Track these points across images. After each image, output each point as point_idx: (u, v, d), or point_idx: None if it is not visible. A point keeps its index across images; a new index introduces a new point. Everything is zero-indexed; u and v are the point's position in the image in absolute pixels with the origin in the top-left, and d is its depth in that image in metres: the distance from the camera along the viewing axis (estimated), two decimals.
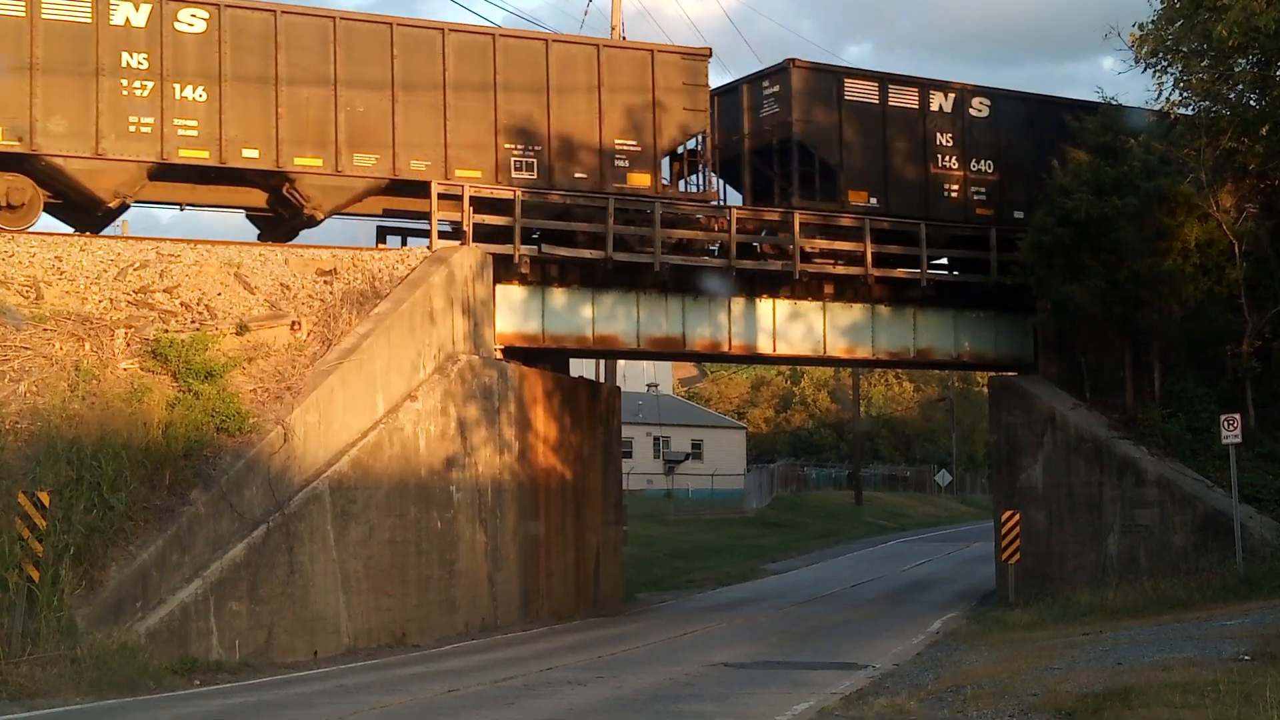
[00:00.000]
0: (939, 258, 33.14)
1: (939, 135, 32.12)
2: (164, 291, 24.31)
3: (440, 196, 27.61)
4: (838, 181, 31.00)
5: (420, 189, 27.71)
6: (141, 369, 22.74)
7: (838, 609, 31.23)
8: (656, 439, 71.24)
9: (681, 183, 30.67)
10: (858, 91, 31.46)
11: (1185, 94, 27.83)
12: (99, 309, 23.56)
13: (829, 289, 32.07)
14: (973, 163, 32.35)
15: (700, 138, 30.12)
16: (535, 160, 28.34)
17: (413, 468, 24.94)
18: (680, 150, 30.19)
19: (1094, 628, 21.50)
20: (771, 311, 31.71)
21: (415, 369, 25.45)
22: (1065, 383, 32.08)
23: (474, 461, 26.34)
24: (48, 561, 18.29)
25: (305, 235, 28.50)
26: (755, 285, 31.36)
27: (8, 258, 23.81)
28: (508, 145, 28.19)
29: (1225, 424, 26.58)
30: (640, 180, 29.11)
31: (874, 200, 31.22)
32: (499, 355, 28.24)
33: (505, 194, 28.37)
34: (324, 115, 26.98)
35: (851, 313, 32.53)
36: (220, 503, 21.40)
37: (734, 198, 32.11)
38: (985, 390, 44.27)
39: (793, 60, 30.94)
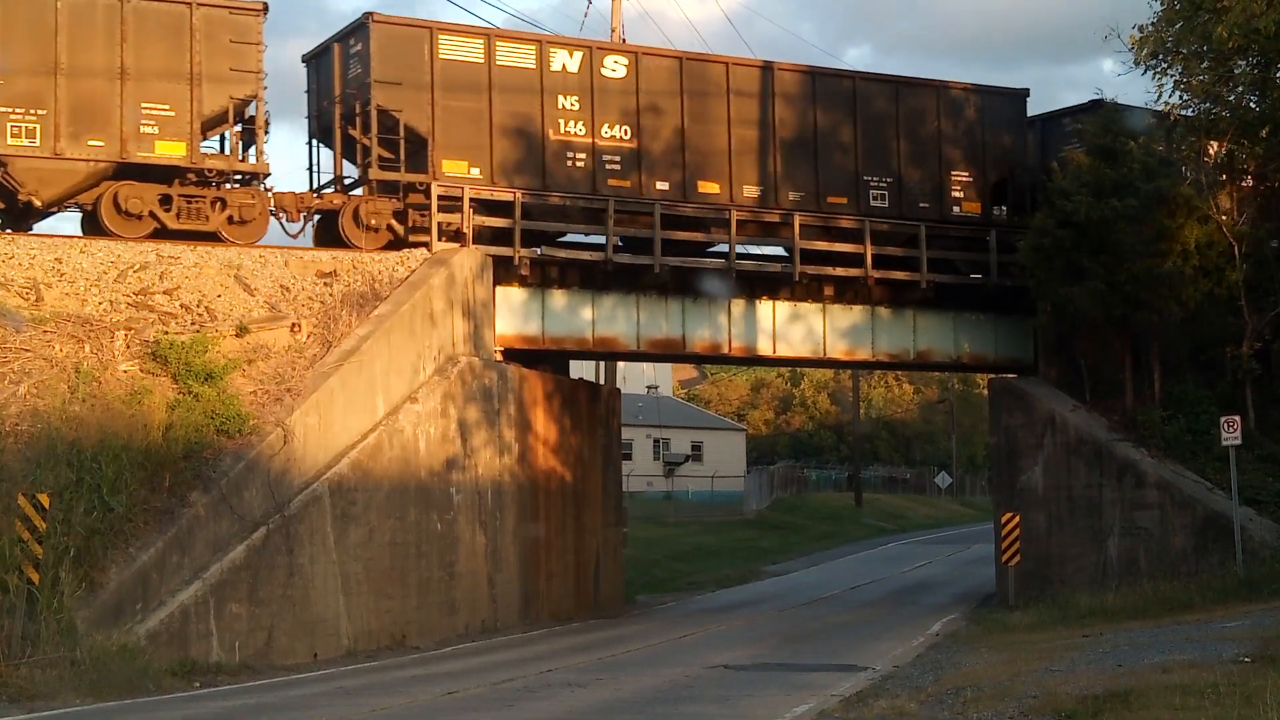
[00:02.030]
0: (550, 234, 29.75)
1: (562, 98, 28.72)
2: (164, 293, 24.30)
3: None
4: (429, 150, 27.57)
5: None
6: (141, 371, 22.73)
7: (838, 611, 31.22)
8: (656, 441, 71.19)
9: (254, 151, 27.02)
10: (456, 49, 27.89)
11: (1185, 96, 27.85)
12: (99, 311, 23.55)
13: (829, 291, 32.04)
14: (605, 128, 29.15)
15: (256, 103, 26.58)
16: (39, 126, 24.49)
17: (413, 469, 24.93)
18: (244, 116, 26.67)
19: (1094, 630, 21.50)
20: (771, 313, 31.68)
21: (415, 371, 25.44)
22: (1065, 385, 32.08)
23: (474, 463, 26.32)
24: (48, 563, 18.29)
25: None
26: (755, 287, 31.35)
27: (8, 259, 23.79)
28: (3, 109, 24.41)
29: (1225, 426, 26.57)
30: (173, 149, 25.39)
31: (475, 171, 27.80)
32: (499, 357, 28.22)
33: (505, 195, 28.33)
34: None
35: (851, 314, 32.52)
36: (220, 505, 21.40)
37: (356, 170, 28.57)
38: (985, 392, 44.27)
39: (371, 14, 27.54)
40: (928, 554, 50.06)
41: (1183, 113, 28.73)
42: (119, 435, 20.82)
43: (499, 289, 28.43)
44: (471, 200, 27.76)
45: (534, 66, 28.57)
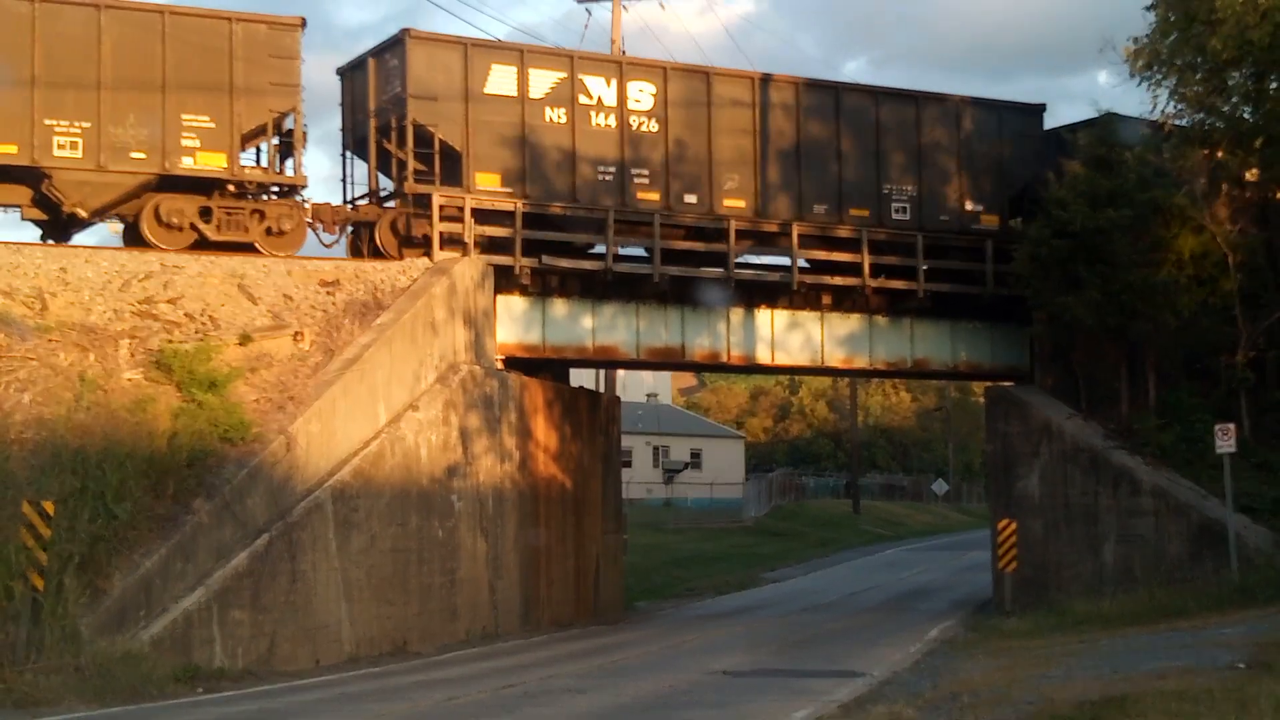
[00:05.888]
0: None
1: None
2: (168, 302, 24.45)
3: None
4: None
5: None
6: (146, 379, 22.86)
7: (836, 617, 31.34)
8: (656, 448, 71.35)
9: None
10: None
11: (1180, 107, 28.04)
12: (103, 319, 23.70)
13: (827, 299, 32.19)
14: None
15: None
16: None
17: (414, 477, 25.07)
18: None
19: (1090, 636, 21.61)
20: (770, 322, 31.84)
21: (417, 379, 25.58)
22: (1061, 393, 32.23)
23: (475, 470, 26.47)
24: (52, 570, 18.39)
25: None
26: (754, 296, 31.50)
27: (13, 269, 23.95)
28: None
29: (1220, 434, 26.72)
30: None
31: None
32: (500, 365, 28.37)
33: (507, 205, 28.50)
34: None
35: (849, 323, 32.67)
36: (223, 512, 21.52)
37: None
38: (982, 400, 44.41)
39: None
40: (925, 561, 50.19)
41: (1177, 123, 28.92)
42: (123, 443, 20.93)
43: (500, 298, 28.59)
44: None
45: None
